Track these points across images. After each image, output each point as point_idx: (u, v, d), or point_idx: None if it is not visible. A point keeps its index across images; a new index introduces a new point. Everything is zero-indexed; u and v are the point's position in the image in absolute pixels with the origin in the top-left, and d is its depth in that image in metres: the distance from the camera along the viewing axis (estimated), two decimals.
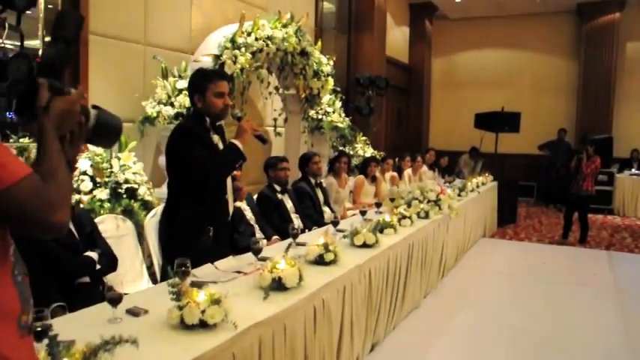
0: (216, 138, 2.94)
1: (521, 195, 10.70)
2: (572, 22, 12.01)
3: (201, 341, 1.83)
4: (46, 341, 1.50)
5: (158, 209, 3.49)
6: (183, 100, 4.30)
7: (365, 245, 3.39)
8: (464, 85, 12.95)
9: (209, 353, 1.78)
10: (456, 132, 12.33)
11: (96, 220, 3.25)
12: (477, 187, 7.29)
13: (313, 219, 4.82)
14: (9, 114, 4.07)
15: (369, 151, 7.88)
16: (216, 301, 1.94)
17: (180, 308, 1.92)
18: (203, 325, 1.90)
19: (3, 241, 1.09)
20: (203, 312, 1.89)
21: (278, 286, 2.38)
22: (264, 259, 2.72)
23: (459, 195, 6.37)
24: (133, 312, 2.06)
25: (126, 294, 2.20)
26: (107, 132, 1.38)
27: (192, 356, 1.72)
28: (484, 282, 5.45)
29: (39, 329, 1.58)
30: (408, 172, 7.71)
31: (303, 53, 5.65)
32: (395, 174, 7.27)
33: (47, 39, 4.14)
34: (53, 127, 1.21)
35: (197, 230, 2.83)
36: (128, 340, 1.52)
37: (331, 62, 6.23)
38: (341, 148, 7.28)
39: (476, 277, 5.58)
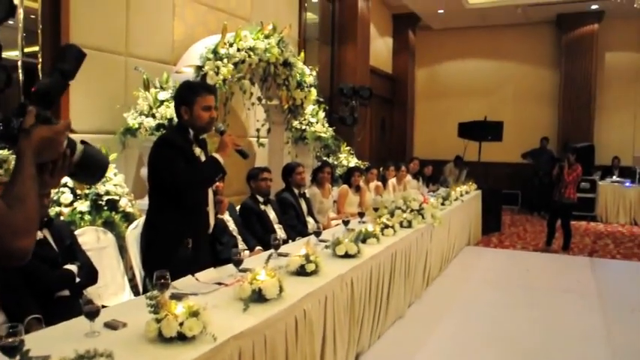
0: (198, 150, 2.95)
1: (505, 203, 10.78)
2: (552, 32, 12.21)
3: (179, 354, 1.81)
4: (18, 357, 1.47)
5: (140, 221, 3.47)
6: (165, 111, 4.29)
7: (347, 255, 3.39)
8: (447, 95, 13.07)
9: None
10: (441, 141, 12.42)
11: (76, 233, 3.23)
12: (461, 195, 7.33)
13: (297, 229, 4.82)
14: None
15: (353, 161, 7.90)
16: (194, 314, 1.93)
17: (158, 321, 1.90)
18: (181, 337, 1.88)
19: None
20: (181, 324, 1.88)
21: (258, 297, 2.37)
22: (245, 271, 2.71)
23: (443, 204, 6.40)
24: (112, 325, 2.03)
25: (105, 307, 2.17)
26: (91, 168, 1.37)
27: None
28: (468, 290, 5.47)
29: (12, 345, 1.56)
30: (392, 181, 7.74)
31: (286, 64, 5.67)
32: (379, 183, 7.29)
33: (27, 50, 4.11)
34: (32, 153, 1.19)
35: (177, 242, 2.82)
36: (103, 354, 1.49)
37: (314, 73, 6.26)
38: (325, 158, 7.29)
39: (460, 286, 5.60)
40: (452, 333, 4.20)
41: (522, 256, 7.36)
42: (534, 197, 11.29)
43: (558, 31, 12.06)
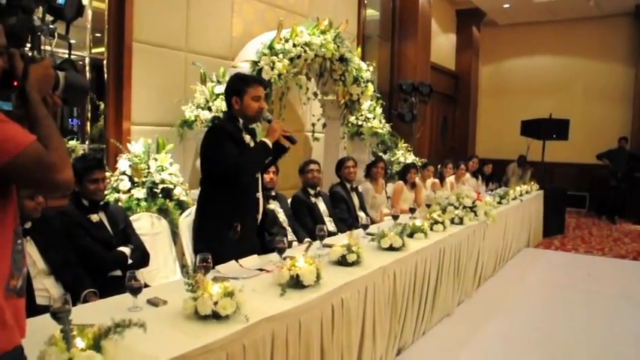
0: (247, 138, 3.03)
1: (571, 205, 10.35)
2: (629, 25, 11.53)
3: (212, 331, 1.90)
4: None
5: (192, 209, 3.61)
6: (220, 104, 4.43)
7: (391, 248, 3.39)
8: (513, 93, 12.65)
9: (219, 342, 1.85)
10: (504, 140, 12.05)
11: (132, 218, 3.41)
12: (520, 195, 7.10)
13: (347, 223, 4.84)
14: (71, 120, 4.32)
15: (410, 158, 7.83)
16: (229, 294, 2.01)
17: (195, 299, 2.00)
18: (216, 316, 1.97)
19: (5, 217, 1.21)
20: (215, 303, 1.96)
21: (295, 283, 2.43)
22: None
23: (499, 202, 6.24)
24: (153, 302, 2.16)
25: (147, 286, 2.30)
26: (75, 92, 1.47)
27: (201, 344, 1.80)
28: (523, 292, 5.30)
29: (60, 312, 1.69)
30: (450, 179, 7.60)
31: (342, 59, 5.69)
32: (436, 181, 7.18)
33: (94, 50, 4.38)
34: (36, 93, 1.30)
35: (225, 226, 2.90)
36: (137, 324, 1.59)
37: (371, 68, 6.25)
38: (381, 154, 7.27)
39: (514, 287, 5.44)
40: (501, 334, 4.10)
41: (585, 260, 7.03)
42: (609, 200, 10.66)
43: (636, 23, 11.38)
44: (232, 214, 2.94)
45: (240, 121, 2.99)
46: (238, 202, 2.96)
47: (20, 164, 1.15)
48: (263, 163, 3.03)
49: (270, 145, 2.90)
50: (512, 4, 11.10)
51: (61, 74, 1.42)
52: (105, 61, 4.39)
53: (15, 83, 1.29)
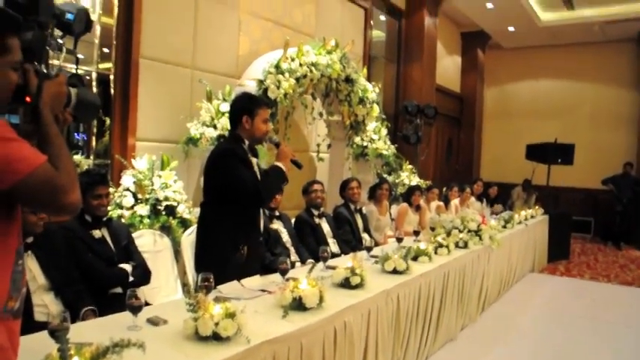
0: (254, 160, 3.02)
1: (576, 230, 10.27)
2: (633, 50, 11.58)
3: (212, 352, 1.86)
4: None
5: (196, 227, 3.59)
6: (226, 122, 4.42)
7: (395, 271, 3.35)
8: (518, 116, 12.66)
9: None
10: (508, 163, 12.01)
11: (135, 235, 3.38)
12: (525, 219, 7.05)
13: (351, 245, 4.81)
14: (77, 135, 4.32)
15: (415, 180, 7.79)
16: (230, 315, 1.97)
17: (196, 320, 1.96)
18: (216, 337, 1.93)
19: (8, 237, 1.17)
20: (217, 324, 1.93)
21: (298, 305, 2.39)
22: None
23: (504, 226, 6.19)
24: (153, 321, 2.12)
25: (148, 304, 2.26)
26: (87, 109, 1.45)
27: None
28: (527, 318, 5.22)
29: (58, 331, 1.66)
30: (455, 202, 7.56)
31: (348, 80, 5.71)
32: (441, 203, 7.15)
33: (101, 65, 4.40)
34: (48, 111, 1.27)
35: (232, 248, 2.88)
36: (136, 344, 1.56)
37: (377, 89, 6.26)
38: (385, 175, 7.24)
39: (519, 313, 5.36)
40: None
41: (590, 286, 6.94)
42: (614, 226, 10.57)
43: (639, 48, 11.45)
44: (239, 237, 2.92)
45: (246, 142, 2.97)
46: (244, 224, 2.95)
47: (29, 184, 1.13)
48: (281, 188, 3.06)
49: (284, 169, 2.91)
50: (517, 28, 11.17)
51: (72, 91, 1.41)
52: (112, 77, 4.41)
53: (28, 99, 1.28)
